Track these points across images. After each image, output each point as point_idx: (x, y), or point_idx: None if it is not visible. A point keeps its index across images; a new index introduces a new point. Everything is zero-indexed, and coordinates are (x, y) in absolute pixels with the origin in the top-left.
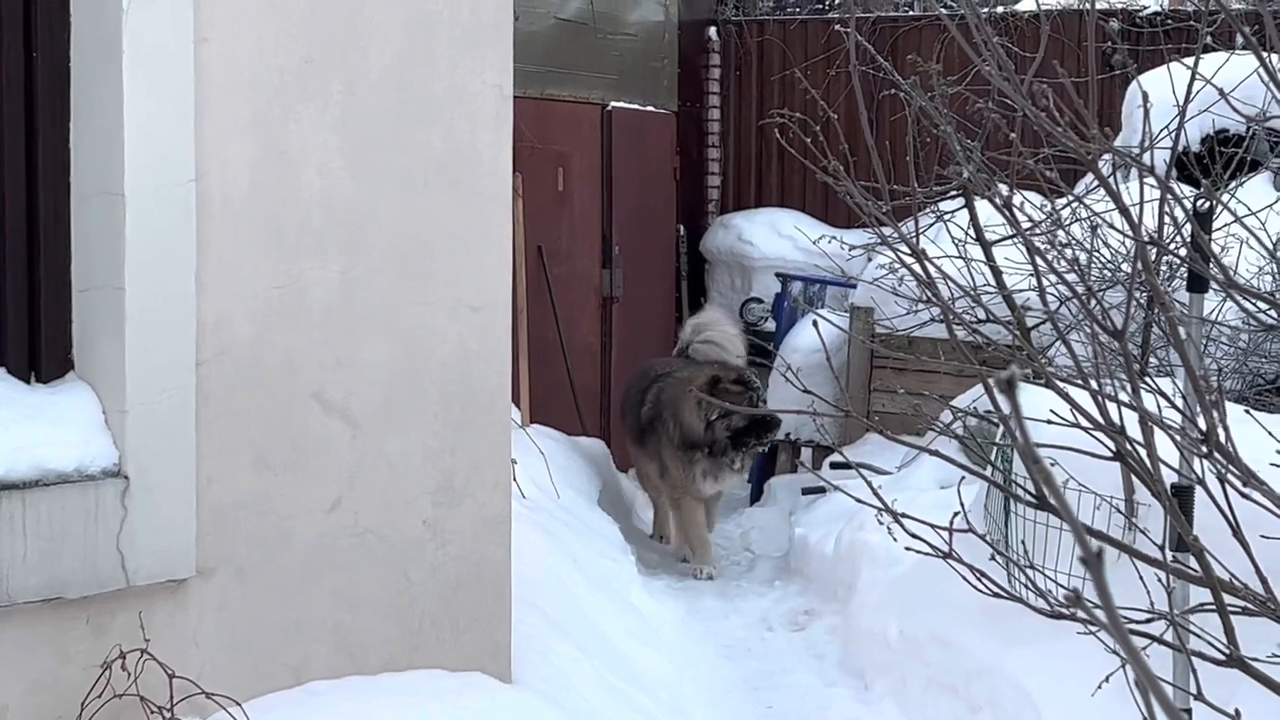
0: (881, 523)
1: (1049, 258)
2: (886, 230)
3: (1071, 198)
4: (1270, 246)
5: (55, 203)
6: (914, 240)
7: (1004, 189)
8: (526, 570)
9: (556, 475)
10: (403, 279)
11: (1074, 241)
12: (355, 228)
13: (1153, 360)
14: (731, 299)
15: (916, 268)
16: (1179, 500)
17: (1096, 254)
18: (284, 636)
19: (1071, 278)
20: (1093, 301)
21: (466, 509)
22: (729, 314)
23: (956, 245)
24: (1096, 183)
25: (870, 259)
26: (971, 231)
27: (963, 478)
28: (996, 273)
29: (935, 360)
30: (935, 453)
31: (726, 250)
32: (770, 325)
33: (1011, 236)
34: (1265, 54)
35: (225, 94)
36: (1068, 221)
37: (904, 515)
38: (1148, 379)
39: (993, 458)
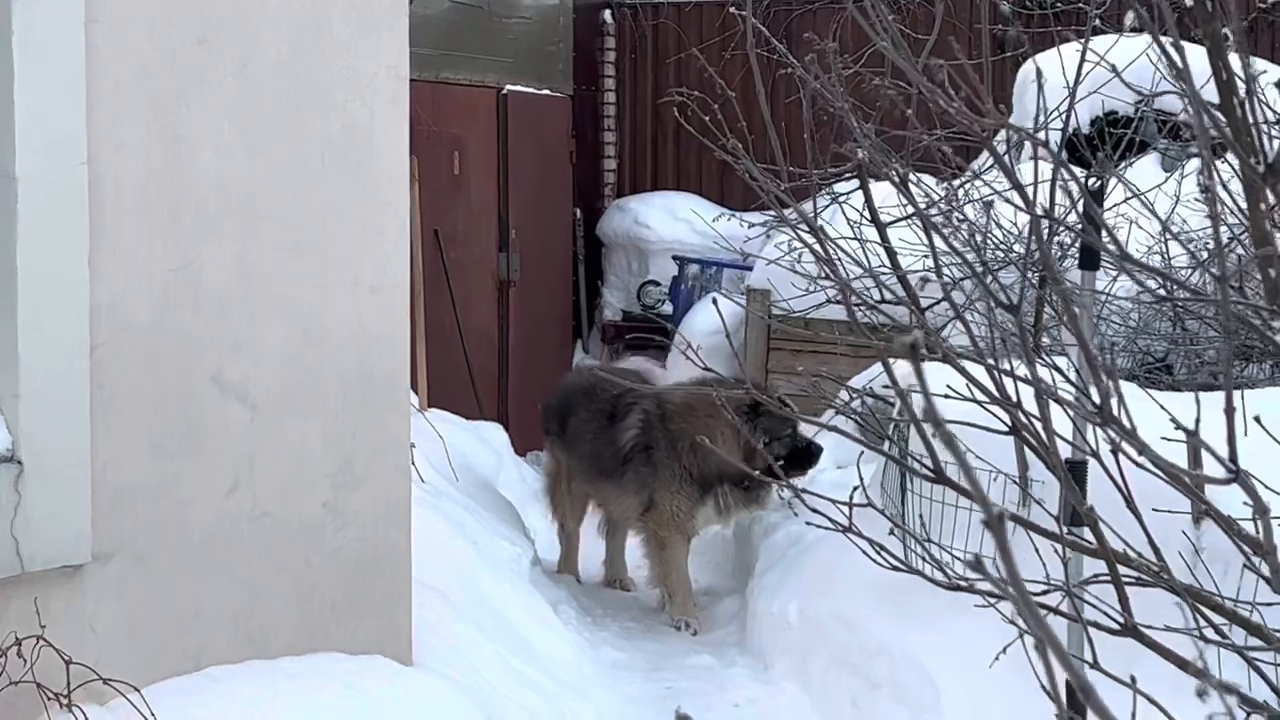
0: (783, 499)
1: (945, 233)
2: (786, 210)
3: (969, 175)
4: (1161, 222)
5: None
6: (813, 219)
7: (899, 168)
8: (425, 554)
9: (455, 459)
10: (300, 261)
11: (968, 221)
12: (252, 210)
13: (1046, 340)
14: (629, 282)
15: (816, 246)
16: (1073, 474)
17: (989, 234)
18: (183, 622)
19: (970, 256)
20: (988, 278)
21: (366, 492)
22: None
23: (852, 227)
24: (990, 162)
25: (767, 240)
26: (867, 213)
27: (861, 453)
28: (891, 253)
29: (832, 341)
30: (833, 428)
31: (623, 233)
32: (668, 308)
33: (908, 217)
34: (1159, 35)
35: (117, 76)
36: (962, 201)
37: (804, 491)
38: (1042, 355)
39: (889, 435)
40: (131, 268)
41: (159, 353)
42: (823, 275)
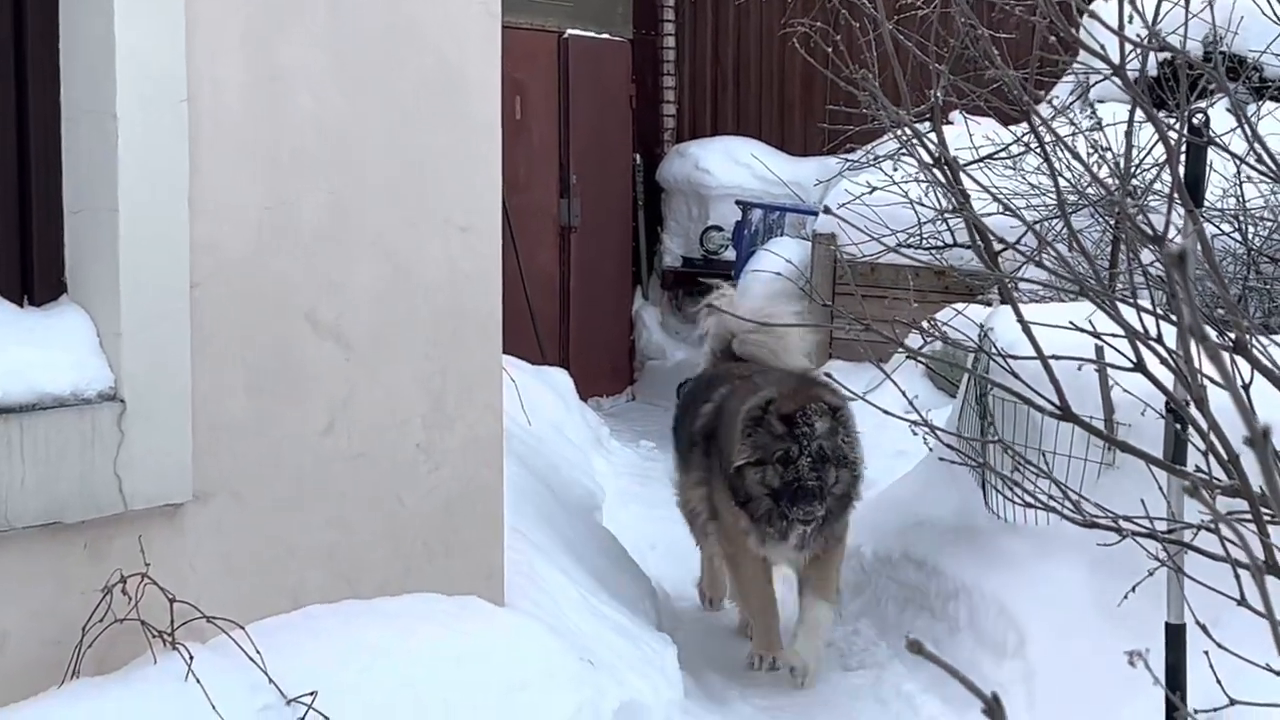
0: (915, 433)
1: (1083, 160)
2: (865, 154)
3: (1075, 99)
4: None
5: (45, 123)
6: (942, 150)
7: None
8: (507, 496)
9: (525, 403)
10: (393, 200)
11: (1092, 149)
12: (346, 148)
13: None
14: (689, 228)
15: (939, 179)
16: (1178, 415)
17: (1095, 165)
18: (279, 561)
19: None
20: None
21: (458, 431)
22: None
23: (931, 168)
24: (1070, 101)
25: (830, 187)
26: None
27: (969, 387)
28: (966, 196)
29: (902, 285)
30: (914, 355)
31: (683, 179)
32: (730, 254)
33: (1029, 149)
34: None
35: (216, 11)
36: (1040, 144)
37: (938, 429)
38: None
39: (968, 380)
40: (229, 205)
41: (255, 291)
42: (951, 207)
